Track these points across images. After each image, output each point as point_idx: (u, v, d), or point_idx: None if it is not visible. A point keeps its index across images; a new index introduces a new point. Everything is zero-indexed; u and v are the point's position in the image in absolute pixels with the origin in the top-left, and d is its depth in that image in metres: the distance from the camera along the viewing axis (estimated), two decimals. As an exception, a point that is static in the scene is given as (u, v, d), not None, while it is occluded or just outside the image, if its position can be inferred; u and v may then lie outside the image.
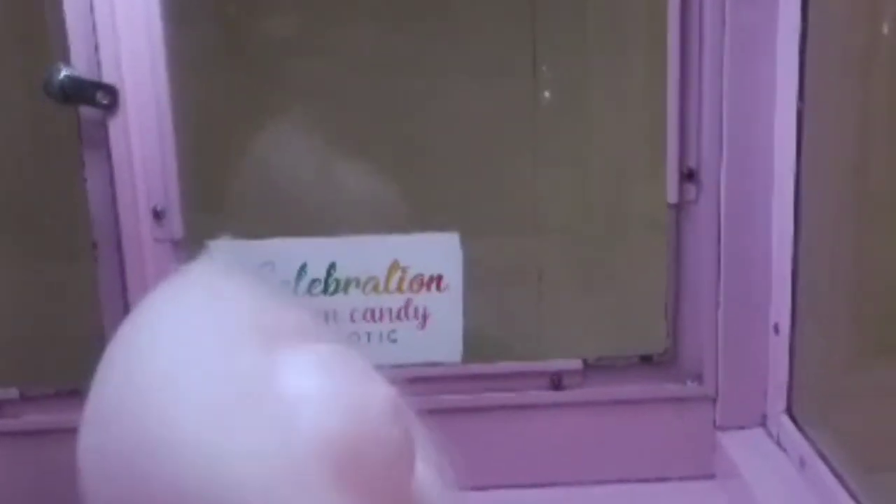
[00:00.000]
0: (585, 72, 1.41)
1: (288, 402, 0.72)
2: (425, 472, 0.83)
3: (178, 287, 0.82)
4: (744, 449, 1.26)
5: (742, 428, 1.30)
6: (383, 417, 0.76)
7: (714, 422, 1.31)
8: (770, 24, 1.18)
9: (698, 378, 1.30)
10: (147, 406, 0.72)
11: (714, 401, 1.30)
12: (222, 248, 1.20)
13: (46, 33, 1.20)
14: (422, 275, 1.28)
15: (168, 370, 0.73)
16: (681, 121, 1.23)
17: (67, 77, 1.17)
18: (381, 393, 0.77)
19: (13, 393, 1.28)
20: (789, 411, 1.24)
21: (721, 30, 1.19)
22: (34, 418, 1.28)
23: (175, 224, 1.24)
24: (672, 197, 1.25)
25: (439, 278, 1.28)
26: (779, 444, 1.25)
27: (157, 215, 1.23)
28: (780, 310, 1.23)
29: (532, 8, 1.38)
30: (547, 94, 1.41)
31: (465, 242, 1.28)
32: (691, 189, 1.25)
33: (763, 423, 1.29)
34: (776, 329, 1.24)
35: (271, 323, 0.78)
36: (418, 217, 1.32)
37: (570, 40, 1.40)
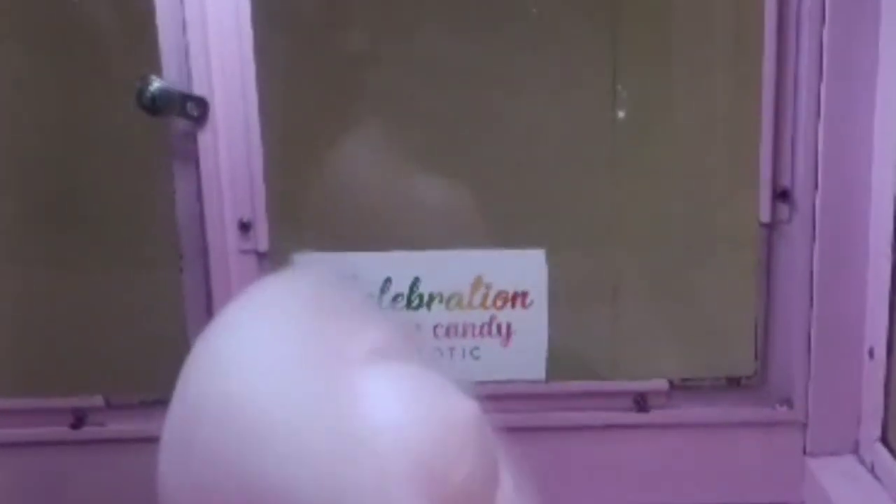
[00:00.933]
0: (673, 86, 1.39)
1: (371, 425, 0.72)
2: (509, 489, 0.82)
3: (260, 299, 0.81)
4: (835, 476, 1.22)
5: (833, 455, 1.26)
6: (467, 437, 0.75)
7: (804, 448, 1.27)
8: (871, 41, 1.15)
9: (788, 402, 1.27)
10: (225, 428, 0.71)
11: (804, 426, 1.27)
12: (307, 261, 1.21)
13: (140, 45, 1.21)
14: (506, 291, 1.26)
15: (245, 391, 0.72)
16: (775, 139, 1.21)
17: (159, 88, 1.19)
18: (464, 412, 0.76)
19: (98, 401, 1.29)
20: (884, 439, 1.20)
21: (819, 47, 1.17)
22: (119, 427, 1.29)
23: (261, 236, 1.24)
24: (765, 216, 1.23)
25: (524, 295, 1.26)
26: (873, 472, 1.21)
27: (244, 227, 1.24)
28: (876, 334, 1.19)
29: (614, 20, 1.37)
30: (629, 109, 1.39)
31: (550, 258, 1.27)
32: (784, 209, 1.22)
33: (856, 450, 1.25)
34: (871, 353, 1.21)
35: (354, 339, 0.77)
36: (502, 232, 1.31)
37: (655, 53, 1.38)
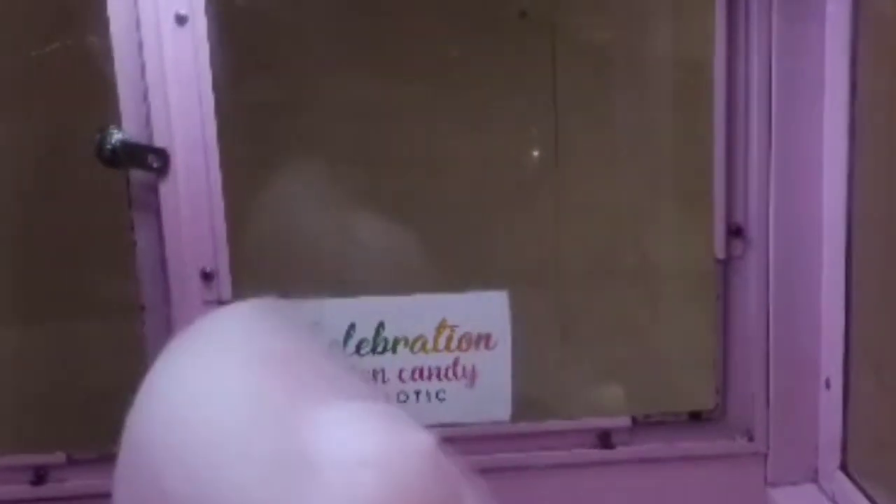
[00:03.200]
0: (623, 125, 1.42)
1: (325, 462, 0.71)
2: None
3: (205, 338, 0.80)
4: (797, 506, 1.25)
5: (794, 484, 1.29)
6: (422, 469, 0.73)
7: (765, 478, 1.30)
8: (818, 80, 1.19)
9: (748, 434, 1.29)
10: (174, 474, 0.70)
11: (765, 457, 1.29)
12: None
13: (100, 97, 1.21)
14: (470, 333, 1.28)
15: (192, 437, 0.71)
16: (727, 177, 1.24)
17: (120, 141, 1.18)
18: (419, 444, 0.74)
19: (60, 457, 1.27)
20: (844, 467, 1.23)
21: (768, 86, 1.20)
22: (80, 482, 1.27)
23: (224, 286, 1.24)
24: (720, 253, 1.26)
25: (487, 336, 1.28)
26: (833, 501, 1.24)
27: (206, 277, 1.24)
28: (832, 364, 1.23)
29: (553, 61, 1.40)
30: (578, 150, 1.42)
31: (513, 299, 1.28)
32: (739, 244, 1.25)
33: (815, 479, 1.28)
34: (827, 384, 1.24)
35: (304, 374, 0.76)
36: (464, 275, 1.32)
37: (600, 92, 1.42)
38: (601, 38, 1.46)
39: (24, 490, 1.27)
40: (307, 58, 1.37)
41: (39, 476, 1.27)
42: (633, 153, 1.45)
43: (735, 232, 1.25)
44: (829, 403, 1.23)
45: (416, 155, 1.38)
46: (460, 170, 1.41)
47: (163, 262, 1.23)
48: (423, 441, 0.74)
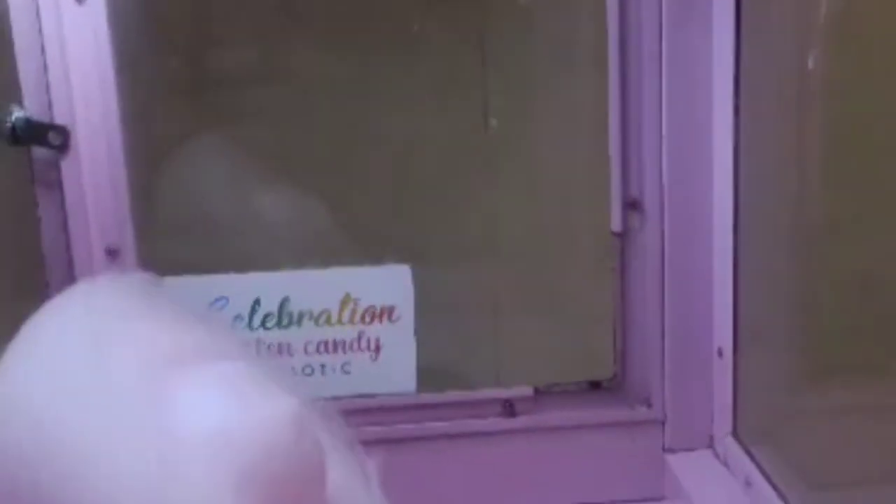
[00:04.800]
0: (535, 99, 1.44)
1: (185, 433, 0.69)
2: (344, 485, 0.79)
3: (57, 317, 0.78)
4: (691, 471, 1.29)
5: (690, 450, 1.33)
6: (284, 435, 0.71)
7: (663, 445, 1.34)
8: (706, 54, 1.22)
9: (647, 402, 1.33)
10: (33, 463, 0.69)
11: (662, 424, 1.33)
12: (175, 285, 1.23)
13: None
14: (373, 306, 1.30)
15: (48, 426, 0.69)
16: (623, 151, 1.27)
17: (20, 119, 1.19)
18: (280, 409, 0.71)
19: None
20: (735, 433, 1.27)
21: (658, 60, 1.23)
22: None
23: (129, 262, 1.25)
24: (616, 226, 1.29)
25: (391, 309, 1.30)
26: (726, 464, 1.28)
27: (111, 254, 1.25)
28: (723, 334, 1.26)
29: (480, 36, 1.41)
30: (495, 122, 1.43)
31: (416, 273, 1.30)
32: (635, 218, 1.29)
33: (710, 444, 1.32)
34: (720, 353, 1.28)
35: (165, 343, 0.74)
36: (369, 249, 1.34)
37: (522, 67, 1.43)
38: (529, 11, 1.47)
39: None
40: (218, 31, 1.37)
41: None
42: (548, 127, 1.46)
43: (631, 205, 1.28)
44: (721, 372, 1.27)
45: (331, 128, 1.39)
46: (380, 144, 1.42)
47: (67, 240, 1.24)
48: (284, 406, 0.71)
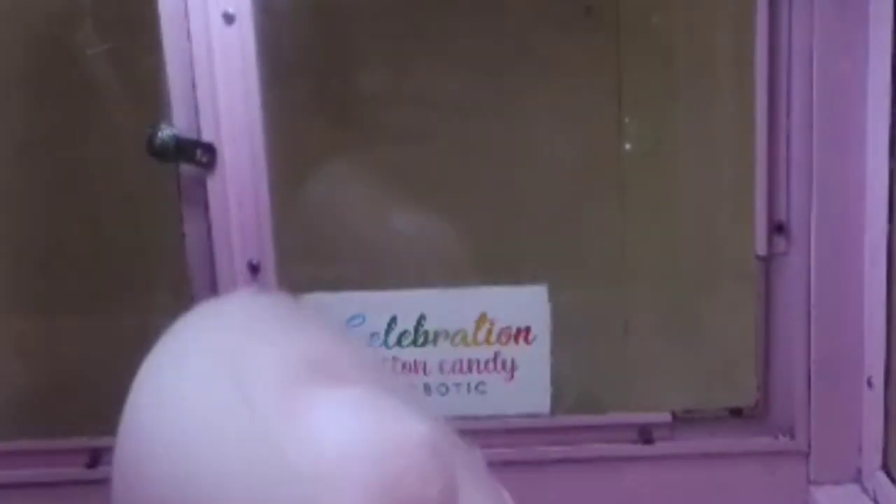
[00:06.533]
0: (673, 122, 1.42)
1: (314, 454, 0.67)
2: None
3: (190, 332, 0.77)
4: (839, 505, 1.24)
5: (836, 483, 1.28)
6: (416, 460, 0.69)
7: (807, 477, 1.29)
8: (860, 75, 1.18)
9: (790, 432, 1.28)
10: (155, 458, 0.68)
11: (807, 455, 1.28)
12: (313, 302, 1.24)
13: (150, 93, 1.24)
14: (509, 327, 1.29)
15: (179, 436, 0.68)
16: (769, 173, 1.23)
17: (169, 136, 1.22)
18: (413, 434, 0.70)
19: (114, 442, 1.31)
20: (885, 467, 1.22)
21: (809, 82, 1.20)
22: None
23: (270, 278, 1.27)
24: (761, 249, 1.25)
25: (527, 330, 1.29)
26: (875, 500, 1.23)
27: (253, 269, 1.27)
28: (874, 363, 1.21)
29: (618, 57, 1.40)
30: (632, 144, 1.42)
31: (552, 294, 1.29)
32: (781, 241, 1.25)
33: (858, 478, 1.27)
34: (869, 383, 1.22)
35: (301, 361, 0.73)
36: (506, 269, 1.33)
37: (658, 90, 1.41)
38: (666, 35, 1.45)
39: (80, 472, 1.31)
40: (357, 53, 1.39)
41: (94, 458, 1.32)
42: (688, 149, 1.44)
43: (777, 228, 1.25)
44: (871, 403, 1.22)
45: (467, 149, 1.40)
46: (514, 164, 1.42)
47: (211, 255, 1.27)
48: (417, 432, 0.70)
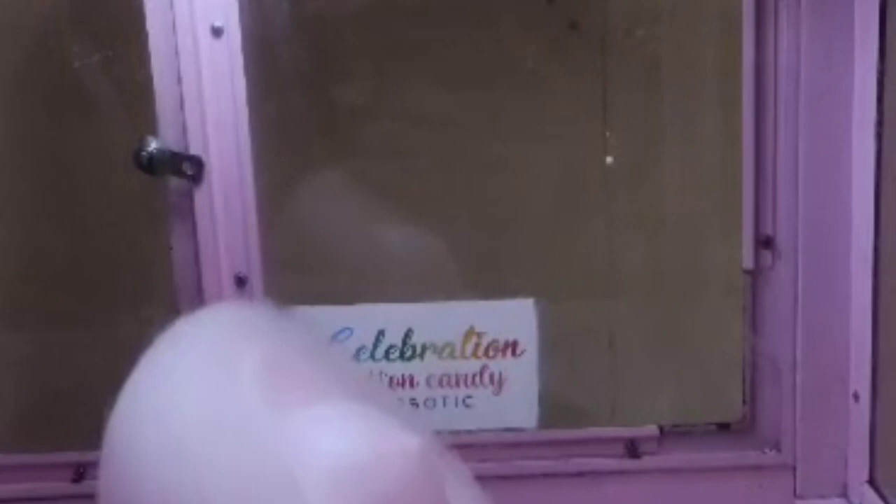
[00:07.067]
0: (659, 137, 1.42)
1: (306, 467, 0.69)
2: None
3: (183, 340, 0.79)
4: (825, 519, 1.24)
5: (822, 497, 1.28)
6: (403, 478, 0.71)
7: (794, 491, 1.29)
8: (846, 89, 1.19)
9: (776, 446, 1.29)
10: (144, 472, 0.71)
11: (793, 469, 1.28)
12: (300, 315, 1.24)
13: (137, 106, 1.24)
14: (497, 341, 1.29)
15: (171, 443, 0.71)
16: (756, 187, 1.24)
17: (156, 149, 1.22)
18: (402, 451, 0.71)
19: (97, 456, 1.31)
20: (871, 481, 1.22)
21: (796, 96, 1.20)
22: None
23: (256, 291, 1.27)
24: (748, 263, 1.25)
25: (514, 344, 1.29)
26: (861, 514, 1.23)
27: (240, 282, 1.27)
28: (860, 377, 1.22)
29: (603, 72, 1.40)
30: (618, 158, 1.42)
31: (539, 308, 1.29)
32: (768, 255, 1.25)
33: (844, 493, 1.27)
34: (856, 397, 1.23)
35: (286, 379, 0.75)
36: (493, 283, 1.34)
37: (644, 105, 1.42)
38: (651, 50, 1.46)
39: (64, 487, 1.31)
40: (345, 67, 1.39)
41: (79, 473, 1.31)
42: (673, 164, 1.45)
43: (764, 242, 1.25)
44: (857, 417, 1.22)
45: (454, 163, 1.40)
46: (500, 178, 1.42)
47: (197, 267, 1.26)
48: (407, 445, 0.71)
